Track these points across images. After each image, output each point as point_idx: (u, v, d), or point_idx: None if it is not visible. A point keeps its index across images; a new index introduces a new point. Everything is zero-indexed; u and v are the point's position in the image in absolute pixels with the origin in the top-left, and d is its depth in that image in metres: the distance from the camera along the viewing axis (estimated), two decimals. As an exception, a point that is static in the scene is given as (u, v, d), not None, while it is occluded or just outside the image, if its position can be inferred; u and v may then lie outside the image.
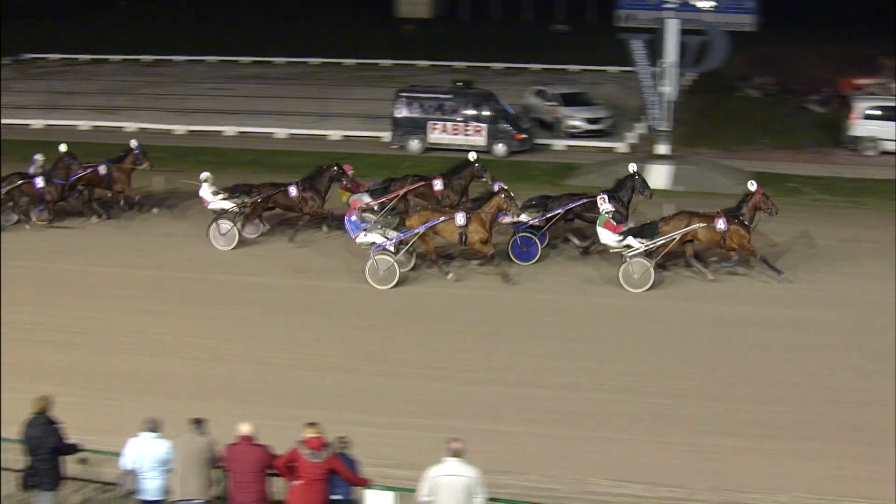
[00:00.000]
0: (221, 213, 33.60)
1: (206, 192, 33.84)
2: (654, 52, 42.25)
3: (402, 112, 48.24)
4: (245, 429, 16.69)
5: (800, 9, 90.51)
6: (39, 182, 34.91)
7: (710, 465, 20.91)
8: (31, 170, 35.66)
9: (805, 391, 23.92)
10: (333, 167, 34.33)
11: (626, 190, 32.71)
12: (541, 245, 32.11)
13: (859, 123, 47.87)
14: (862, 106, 48.54)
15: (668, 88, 42.31)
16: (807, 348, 26.17)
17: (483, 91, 49.49)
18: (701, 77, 53.18)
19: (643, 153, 44.45)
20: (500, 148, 47.09)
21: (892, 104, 49.29)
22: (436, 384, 24.16)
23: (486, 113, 47.65)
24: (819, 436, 22.00)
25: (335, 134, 50.31)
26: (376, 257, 29.98)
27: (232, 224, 33.48)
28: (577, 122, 50.25)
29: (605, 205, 30.91)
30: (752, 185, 30.91)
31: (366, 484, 16.96)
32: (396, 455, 20.31)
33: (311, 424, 16.68)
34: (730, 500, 19.74)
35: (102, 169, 36.27)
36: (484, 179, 34.66)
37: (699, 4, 45.44)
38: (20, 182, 35.04)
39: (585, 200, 32.61)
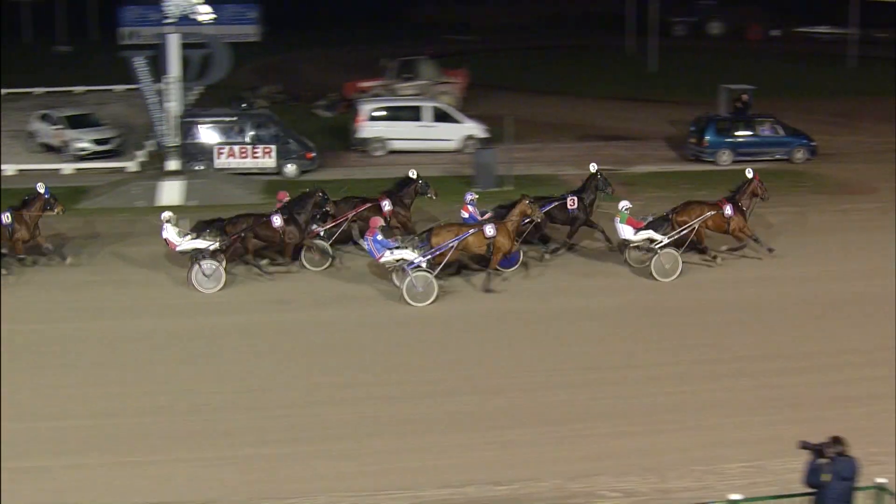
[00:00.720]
0: (202, 254, 30.81)
1: (171, 233, 31.12)
2: (158, 67, 42.11)
3: (185, 138, 44.47)
4: None
5: (303, 16, 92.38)
6: None
7: (245, 475, 21.03)
8: None
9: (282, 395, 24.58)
10: (318, 193, 32.62)
11: (591, 190, 34.41)
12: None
13: (366, 125, 49.37)
14: (367, 108, 50.16)
15: (174, 104, 42.27)
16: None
17: (267, 112, 48.18)
18: (207, 90, 53.35)
19: (154, 170, 44.16)
20: (290, 168, 45.33)
21: (395, 105, 51.26)
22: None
23: (273, 133, 45.91)
24: (325, 436, 22.65)
25: None
26: (414, 275, 29.78)
27: (218, 263, 30.87)
28: (84, 144, 48.67)
29: (623, 202, 32.21)
30: (750, 173, 33.52)
31: None
32: None
33: None
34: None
35: (6, 218, 32.23)
36: (428, 196, 34.84)
37: (199, 18, 45.18)
38: None
39: (556, 203, 33.99)
